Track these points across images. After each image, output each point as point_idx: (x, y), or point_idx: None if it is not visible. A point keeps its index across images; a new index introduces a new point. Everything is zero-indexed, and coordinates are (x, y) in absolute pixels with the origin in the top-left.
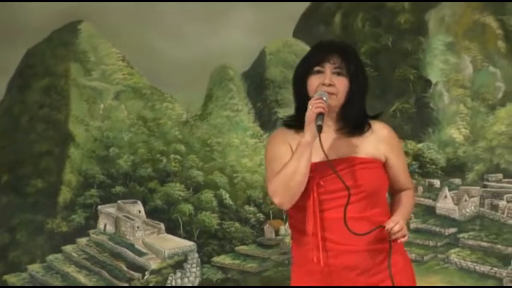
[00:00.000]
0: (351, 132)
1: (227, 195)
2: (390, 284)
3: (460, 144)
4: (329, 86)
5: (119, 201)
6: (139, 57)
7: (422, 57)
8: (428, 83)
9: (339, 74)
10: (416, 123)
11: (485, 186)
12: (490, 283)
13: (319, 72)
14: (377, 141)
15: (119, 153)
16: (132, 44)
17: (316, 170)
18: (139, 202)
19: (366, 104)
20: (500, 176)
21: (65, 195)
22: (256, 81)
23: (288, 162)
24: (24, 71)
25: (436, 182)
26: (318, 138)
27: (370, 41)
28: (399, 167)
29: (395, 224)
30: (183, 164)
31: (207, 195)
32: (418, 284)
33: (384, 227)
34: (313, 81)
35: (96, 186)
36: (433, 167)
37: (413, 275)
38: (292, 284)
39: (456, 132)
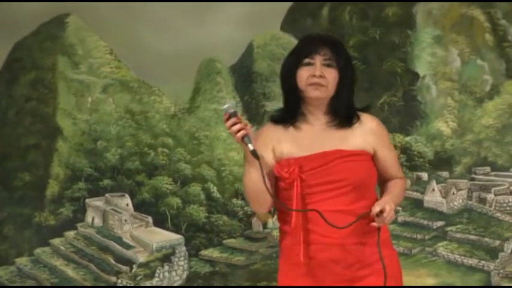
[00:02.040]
0: (340, 124)
1: (215, 189)
2: (377, 278)
3: (448, 137)
4: (320, 77)
5: (106, 195)
6: (127, 51)
7: (410, 50)
8: (416, 76)
9: (328, 65)
10: (404, 116)
11: (472, 179)
12: (477, 276)
13: (308, 64)
14: (365, 133)
15: (106, 147)
16: (119, 38)
17: (298, 165)
18: (127, 195)
19: (354, 97)
20: (487, 169)
21: (52, 188)
22: (243, 75)
23: (245, 177)
24: (11, 64)
25: (424, 175)
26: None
27: (357, 34)
28: (389, 158)
29: (381, 206)
30: (171, 157)
31: (195, 188)
32: (405, 277)
33: (369, 212)
34: (303, 73)
35: (84, 179)
36: (421, 160)
37: (400, 269)
38: (279, 277)
39: (444, 125)
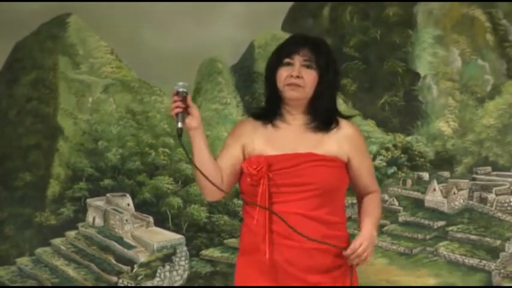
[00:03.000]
0: (317, 127)
1: None
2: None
3: (449, 137)
4: (297, 77)
5: (107, 195)
6: (128, 51)
7: (410, 50)
8: (416, 76)
9: (308, 66)
10: (404, 116)
11: (474, 179)
12: (478, 276)
13: (288, 64)
14: (341, 140)
15: (107, 147)
16: (120, 38)
17: (268, 163)
18: (128, 195)
19: (355, 97)
20: (489, 169)
21: (53, 188)
22: (244, 75)
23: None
24: (12, 64)
25: (425, 175)
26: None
27: (358, 34)
28: (363, 167)
29: (353, 251)
30: (172, 157)
31: (196, 188)
32: (406, 277)
33: (343, 248)
34: (282, 73)
35: (85, 179)
36: (422, 160)
37: (355, 280)
38: (236, 275)
39: (445, 125)
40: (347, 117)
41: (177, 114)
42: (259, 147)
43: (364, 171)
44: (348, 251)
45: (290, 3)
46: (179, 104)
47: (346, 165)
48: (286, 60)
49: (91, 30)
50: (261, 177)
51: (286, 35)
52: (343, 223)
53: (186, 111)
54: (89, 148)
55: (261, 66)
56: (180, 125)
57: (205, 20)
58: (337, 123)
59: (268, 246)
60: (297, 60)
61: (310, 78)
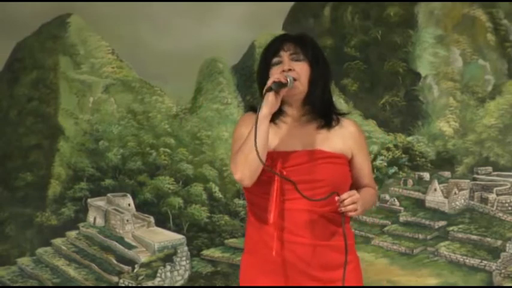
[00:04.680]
0: (318, 121)
1: (217, 189)
2: (340, 284)
3: (450, 137)
4: (289, 71)
5: (108, 195)
6: (129, 51)
7: (411, 50)
8: (417, 76)
9: (297, 60)
10: (405, 116)
11: (474, 179)
12: (479, 276)
13: (278, 63)
14: (345, 137)
15: (108, 147)
16: (121, 37)
17: (280, 160)
18: (128, 195)
19: (356, 97)
20: (489, 169)
21: (54, 188)
22: (245, 75)
23: (246, 137)
24: (12, 64)
25: (426, 175)
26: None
27: (359, 34)
28: (364, 166)
29: (350, 196)
30: (173, 157)
31: (197, 188)
32: (407, 277)
33: (338, 194)
34: (274, 72)
35: (86, 179)
36: (423, 160)
37: (361, 276)
38: (241, 274)
39: (446, 126)
40: (344, 114)
41: (273, 82)
42: (271, 142)
43: (365, 170)
44: (345, 195)
45: (291, 3)
46: (283, 77)
47: (349, 163)
48: (275, 59)
49: (92, 30)
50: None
51: None
52: (347, 218)
53: (277, 93)
54: (90, 148)
55: None
56: (273, 87)
57: (206, 20)
58: (338, 121)
59: (276, 244)
60: (285, 55)
61: (302, 69)
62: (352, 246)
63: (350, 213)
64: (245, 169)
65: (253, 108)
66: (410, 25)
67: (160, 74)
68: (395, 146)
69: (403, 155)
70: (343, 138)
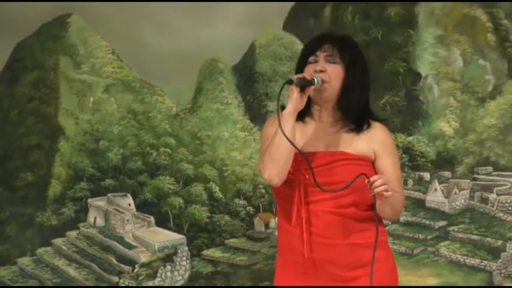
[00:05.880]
0: (349, 126)
1: (217, 189)
2: (368, 281)
3: (450, 137)
4: (320, 72)
5: (108, 195)
6: (129, 51)
7: (412, 50)
8: (418, 76)
9: (332, 62)
10: (406, 116)
11: (475, 179)
12: (480, 276)
13: (314, 61)
14: (371, 140)
15: (108, 147)
16: (121, 38)
17: (304, 161)
18: (129, 195)
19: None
20: (490, 169)
21: (54, 188)
22: (246, 75)
23: (273, 136)
24: (13, 64)
25: (426, 175)
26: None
27: (359, 34)
28: (390, 172)
29: (379, 177)
30: (173, 157)
31: (197, 188)
32: (407, 277)
33: (366, 175)
34: (307, 70)
35: (86, 179)
36: (423, 160)
37: (395, 271)
38: (276, 275)
39: (446, 126)
40: (380, 120)
41: (298, 78)
42: (297, 142)
43: (392, 177)
44: (374, 177)
45: (291, 3)
46: (309, 75)
47: (373, 165)
48: (312, 57)
49: (92, 30)
50: (301, 174)
51: (287, 35)
52: (372, 219)
53: (302, 91)
54: (90, 148)
55: (262, 66)
56: (297, 81)
57: (206, 20)
58: (369, 125)
59: (306, 246)
60: (321, 55)
61: (334, 72)
62: (384, 241)
63: (384, 194)
64: (273, 167)
65: (283, 108)
66: (411, 25)
67: (161, 74)
68: (396, 146)
69: (404, 155)
70: (369, 141)
